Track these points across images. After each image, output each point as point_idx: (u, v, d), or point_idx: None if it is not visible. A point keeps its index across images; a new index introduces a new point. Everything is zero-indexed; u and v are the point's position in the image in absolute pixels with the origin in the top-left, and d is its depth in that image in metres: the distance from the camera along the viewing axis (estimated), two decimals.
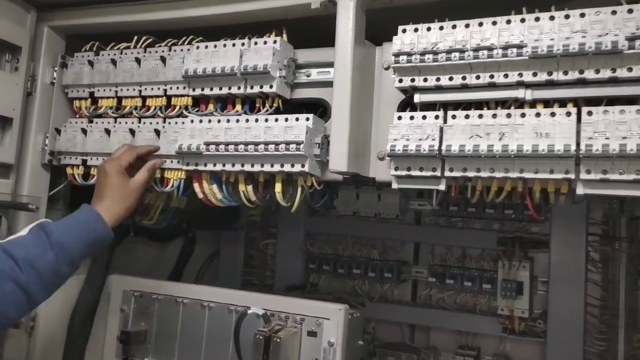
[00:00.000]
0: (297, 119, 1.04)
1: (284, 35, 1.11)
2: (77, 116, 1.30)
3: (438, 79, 0.94)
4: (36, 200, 1.21)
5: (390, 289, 1.83)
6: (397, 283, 1.80)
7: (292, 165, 1.03)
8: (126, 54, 1.23)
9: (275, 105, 1.10)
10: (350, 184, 1.74)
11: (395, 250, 1.86)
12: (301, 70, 1.12)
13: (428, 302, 1.80)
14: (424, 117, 0.95)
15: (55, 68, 1.30)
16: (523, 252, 1.61)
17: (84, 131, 1.24)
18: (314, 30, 1.06)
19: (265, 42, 1.09)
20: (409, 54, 0.94)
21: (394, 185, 0.97)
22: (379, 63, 1.07)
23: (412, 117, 0.96)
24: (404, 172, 0.94)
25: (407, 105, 1.04)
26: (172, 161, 1.16)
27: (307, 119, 1.04)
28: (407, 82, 0.96)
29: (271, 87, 1.07)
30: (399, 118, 0.97)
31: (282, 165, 1.04)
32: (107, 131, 1.21)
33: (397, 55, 0.95)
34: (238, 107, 1.13)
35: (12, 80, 1.21)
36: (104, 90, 1.25)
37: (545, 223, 1.62)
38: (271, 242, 2.01)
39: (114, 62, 1.23)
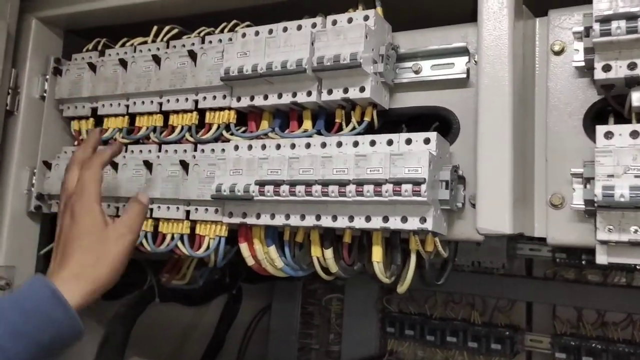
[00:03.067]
0: (408, 141, 0.62)
1: (379, 9, 0.70)
2: (76, 143, 0.92)
3: None
4: (8, 272, 0.82)
5: None
6: (511, 357, 1.35)
7: (404, 220, 0.60)
8: (141, 51, 0.84)
9: (367, 119, 0.69)
10: None
11: (501, 311, 1.42)
12: (405, 64, 0.71)
13: None
14: None
15: (47, 77, 0.93)
16: None
17: None
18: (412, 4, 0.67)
19: (350, 20, 0.68)
20: (632, 17, 0.50)
21: (601, 259, 0.53)
22: (543, 45, 0.64)
23: (635, 134, 0.52)
24: (626, 237, 0.50)
25: (597, 115, 0.61)
26: (206, 210, 0.75)
27: (427, 141, 0.61)
28: (620, 69, 0.53)
29: (362, 90, 0.66)
30: (608, 135, 0.53)
31: (385, 220, 0.61)
32: (114, 165, 0.82)
33: (603, 20, 0.52)
34: (307, 124, 0.72)
35: None
36: (110, 104, 0.86)
37: None
38: (336, 297, 1.59)
39: (123, 63, 0.84)
